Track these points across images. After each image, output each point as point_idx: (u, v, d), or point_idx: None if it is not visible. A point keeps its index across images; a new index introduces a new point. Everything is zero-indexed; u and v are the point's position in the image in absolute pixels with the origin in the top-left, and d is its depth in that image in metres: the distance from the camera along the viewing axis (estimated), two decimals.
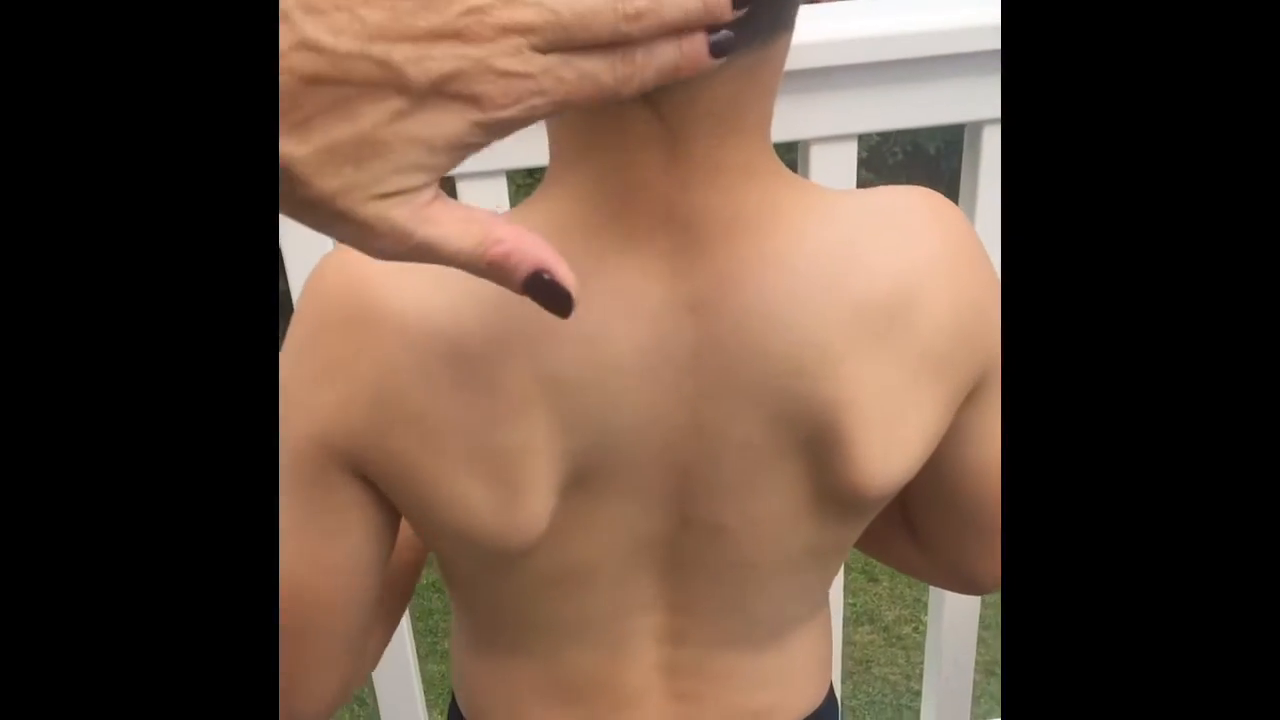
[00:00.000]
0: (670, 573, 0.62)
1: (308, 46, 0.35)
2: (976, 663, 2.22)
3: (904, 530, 0.76)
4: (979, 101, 0.96)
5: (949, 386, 0.58)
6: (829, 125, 0.94)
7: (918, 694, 2.26)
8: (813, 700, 0.72)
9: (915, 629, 2.45)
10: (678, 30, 0.38)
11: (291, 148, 0.35)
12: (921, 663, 2.44)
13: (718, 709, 0.68)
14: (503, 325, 0.52)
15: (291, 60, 0.35)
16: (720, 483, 0.58)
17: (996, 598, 2.65)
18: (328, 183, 0.36)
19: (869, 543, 0.77)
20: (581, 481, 0.56)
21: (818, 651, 0.72)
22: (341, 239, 0.39)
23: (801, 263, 0.53)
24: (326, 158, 0.36)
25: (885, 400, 0.56)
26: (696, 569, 0.62)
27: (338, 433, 0.54)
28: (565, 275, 0.40)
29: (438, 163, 0.37)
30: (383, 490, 0.56)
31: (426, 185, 0.38)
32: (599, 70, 0.38)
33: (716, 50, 0.39)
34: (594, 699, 0.66)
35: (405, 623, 1.29)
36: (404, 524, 0.63)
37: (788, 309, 0.53)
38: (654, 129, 0.49)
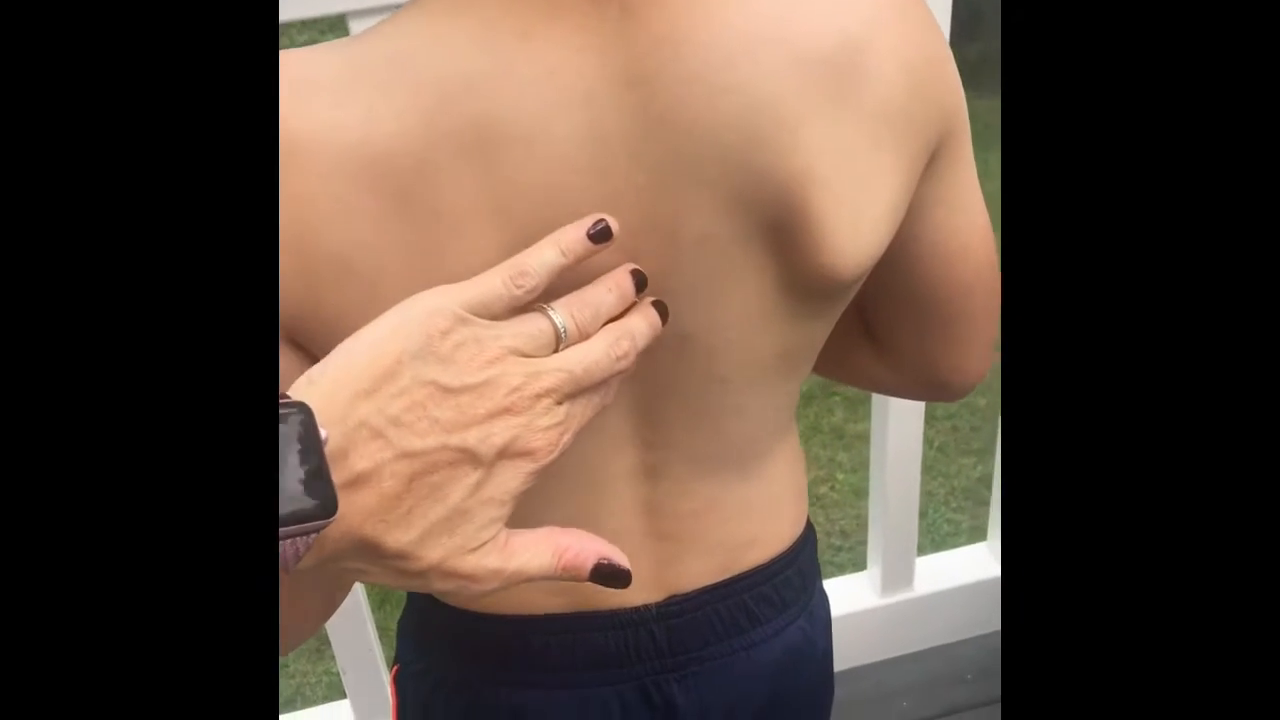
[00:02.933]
0: (639, 403, 0.58)
1: (404, 455, 0.42)
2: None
3: (866, 342, 0.72)
4: None
5: (910, 149, 0.54)
6: None
7: (839, 549, 2.31)
8: (793, 529, 0.69)
9: (831, 488, 2.49)
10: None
11: (399, 536, 0.42)
12: (843, 519, 2.50)
13: (700, 545, 0.64)
14: (428, 136, 0.46)
15: (395, 468, 0.41)
16: (682, 286, 0.53)
17: (937, 434, 2.69)
18: (431, 555, 0.43)
19: (832, 365, 0.73)
20: None
21: (793, 478, 0.69)
22: (445, 590, 0.45)
23: (739, 20, 0.49)
24: (428, 536, 0.43)
25: (847, 167, 0.52)
26: (666, 393, 0.57)
27: None
28: (620, 558, 0.49)
29: (506, 511, 0.45)
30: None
31: (502, 529, 0.45)
32: (604, 394, 0.48)
33: (663, 316, 0.51)
34: None
35: None
36: None
37: (733, 72, 0.48)
38: None
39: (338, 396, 0.41)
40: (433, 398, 0.42)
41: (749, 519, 0.66)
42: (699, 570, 0.65)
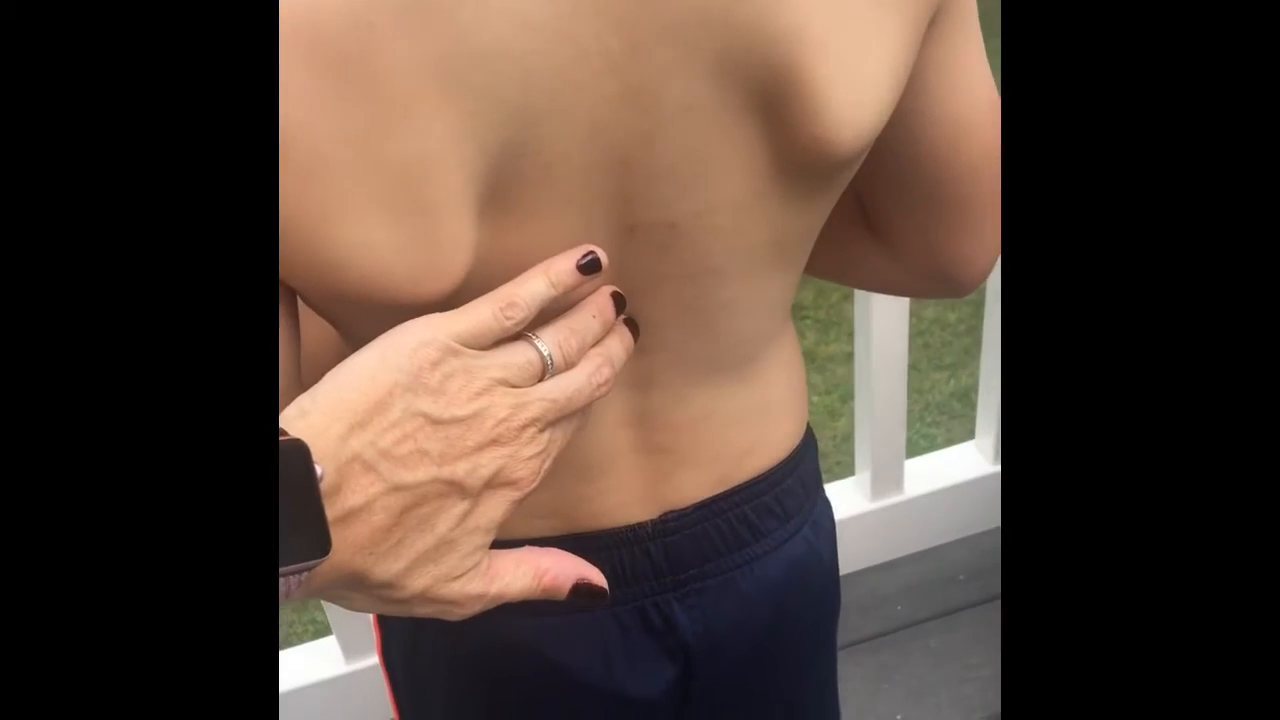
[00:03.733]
0: (627, 304, 0.53)
1: (396, 489, 0.42)
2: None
3: (866, 234, 0.66)
4: None
5: (911, 7, 0.49)
6: None
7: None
8: (793, 435, 0.65)
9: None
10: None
11: (388, 566, 0.42)
12: (819, 441, 2.47)
13: (696, 457, 0.60)
14: None
15: (386, 502, 0.41)
16: (665, 168, 0.47)
17: (925, 328, 2.65)
18: (416, 583, 0.43)
19: (830, 262, 0.68)
20: (503, 195, 0.45)
21: (792, 381, 0.64)
22: (428, 615, 0.45)
23: None
24: (415, 567, 0.43)
25: (844, 26, 0.46)
26: (654, 290, 0.52)
27: None
28: (598, 578, 0.50)
29: (489, 539, 0.46)
30: None
31: (485, 555, 0.46)
32: (581, 419, 0.49)
33: (634, 332, 0.52)
34: (560, 470, 0.57)
35: None
36: (305, 319, 0.52)
37: None
38: None
39: (331, 430, 0.41)
40: (423, 430, 0.42)
41: (747, 426, 0.61)
42: (696, 483, 0.60)
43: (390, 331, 0.44)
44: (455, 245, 0.44)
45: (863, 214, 0.65)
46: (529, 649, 0.60)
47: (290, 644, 2.02)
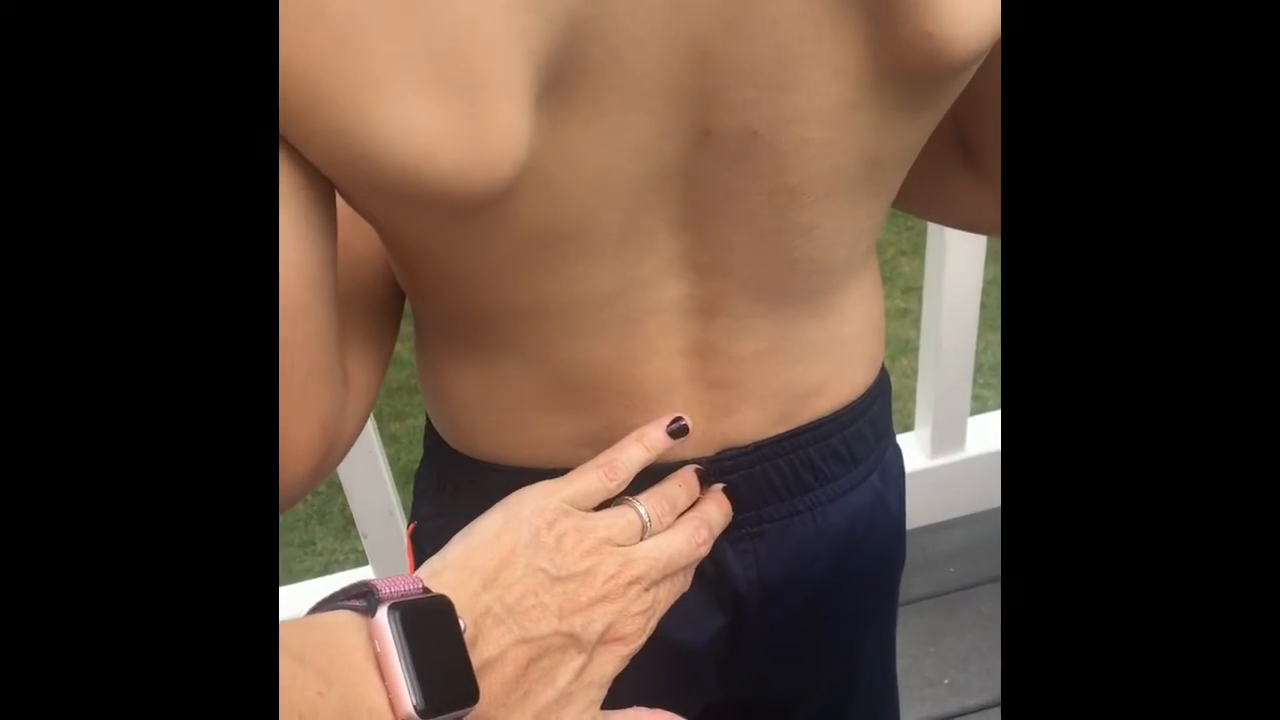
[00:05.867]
0: (692, 219, 0.47)
1: (524, 640, 0.44)
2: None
3: (963, 167, 0.60)
4: None
5: None
6: None
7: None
8: (867, 375, 0.59)
9: None
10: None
11: (515, 718, 0.43)
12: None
13: (759, 393, 0.55)
14: None
15: (515, 654, 0.43)
16: (749, 64, 0.42)
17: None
18: None
19: (919, 195, 0.61)
20: (564, 82, 0.40)
21: (871, 316, 0.59)
22: None
23: None
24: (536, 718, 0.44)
25: None
26: (724, 207, 0.47)
27: None
28: None
29: (602, 694, 0.47)
30: (294, 143, 0.40)
31: (599, 712, 0.47)
32: (684, 580, 0.52)
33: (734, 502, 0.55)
34: (608, 400, 0.53)
35: None
36: (343, 216, 0.47)
37: None
38: None
39: (467, 586, 0.44)
40: (543, 585, 0.45)
41: (817, 363, 0.56)
42: (757, 421, 0.56)
43: (508, 498, 0.48)
44: (508, 133, 0.39)
45: (958, 142, 0.59)
46: None
47: (331, 571, 2.03)
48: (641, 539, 0.50)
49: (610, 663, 0.47)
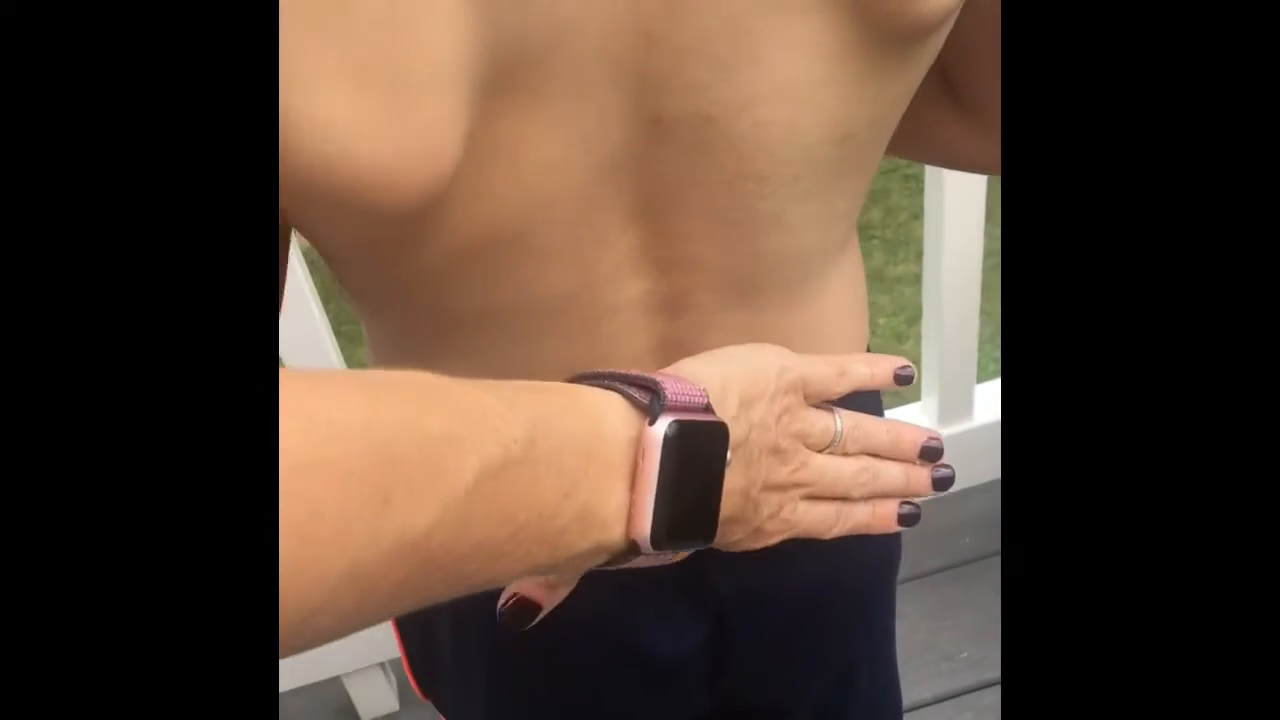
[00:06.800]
0: (649, 209, 0.44)
1: (739, 493, 0.44)
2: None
3: (951, 110, 0.56)
4: None
5: None
6: None
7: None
8: None
9: (872, 333, 2.37)
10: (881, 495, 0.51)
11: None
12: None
13: None
14: None
15: (728, 504, 0.43)
16: (698, 42, 0.38)
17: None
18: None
19: (908, 139, 0.57)
20: (498, 72, 0.36)
21: (850, 302, 0.55)
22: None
23: None
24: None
25: None
26: (683, 197, 0.44)
27: None
28: None
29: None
30: None
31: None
32: (827, 514, 0.49)
33: (904, 522, 0.52)
34: None
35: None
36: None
37: None
38: None
39: (725, 407, 0.42)
40: (767, 445, 0.44)
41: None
42: None
43: (744, 347, 0.46)
44: (434, 128, 0.35)
45: (945, 82, 0.55)
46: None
47: None
48: (824, 451, 0.48)
49: (782, 526, 0.47)
